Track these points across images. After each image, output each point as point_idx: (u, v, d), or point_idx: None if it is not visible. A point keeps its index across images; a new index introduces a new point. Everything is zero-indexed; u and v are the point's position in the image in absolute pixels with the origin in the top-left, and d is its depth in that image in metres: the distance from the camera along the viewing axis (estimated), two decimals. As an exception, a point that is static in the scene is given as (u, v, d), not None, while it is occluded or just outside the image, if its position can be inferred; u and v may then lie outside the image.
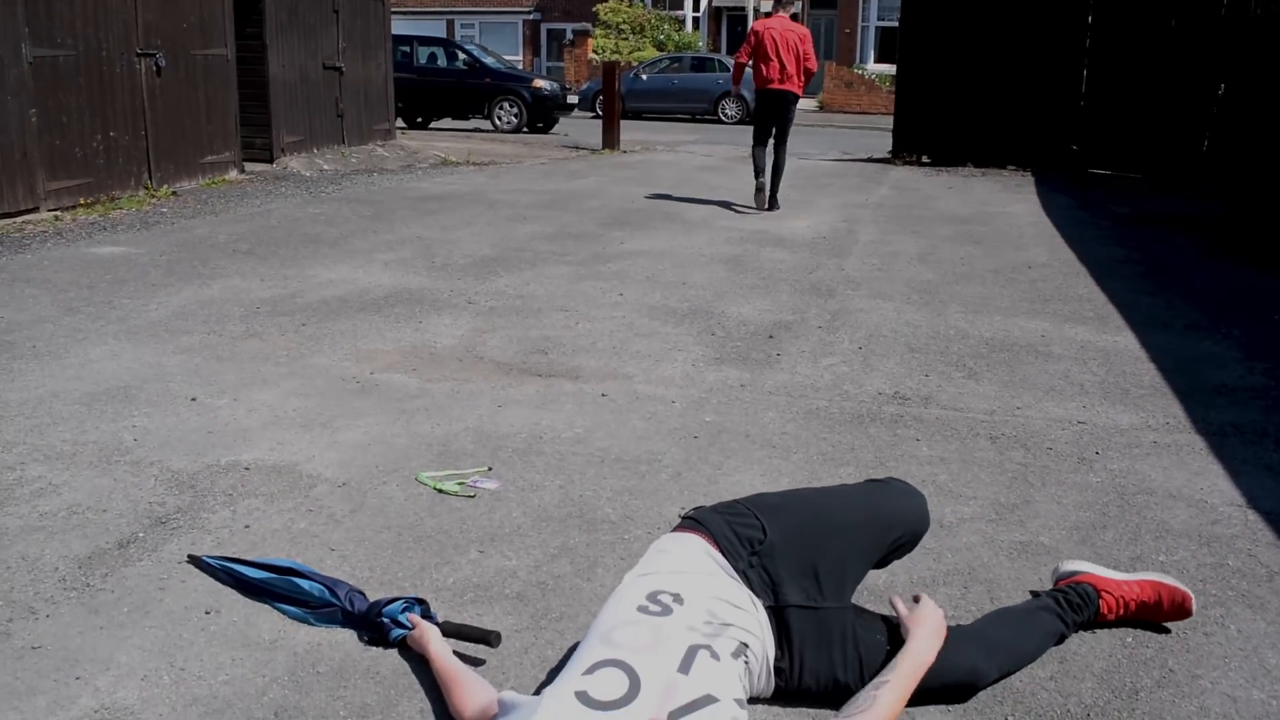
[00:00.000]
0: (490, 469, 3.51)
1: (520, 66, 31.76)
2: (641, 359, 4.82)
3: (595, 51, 31.33)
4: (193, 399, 4.15)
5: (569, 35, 35.48)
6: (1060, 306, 6.02)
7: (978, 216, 9.46)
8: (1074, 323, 5.65)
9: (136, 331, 5.08)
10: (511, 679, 2.33)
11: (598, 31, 32.03)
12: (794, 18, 9.75)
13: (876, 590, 2.73)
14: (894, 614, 2.26)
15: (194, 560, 2.83)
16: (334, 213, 8.91)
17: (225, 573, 2.75)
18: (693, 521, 2.28)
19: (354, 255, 7.06)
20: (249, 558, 2.79)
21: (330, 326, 5.24)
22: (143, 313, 5.43)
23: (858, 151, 15.75)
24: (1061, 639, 2.46)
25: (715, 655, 1.95)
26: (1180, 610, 2.55)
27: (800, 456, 3.69)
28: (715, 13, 35.18)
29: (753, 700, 2.15)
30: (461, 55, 20.56)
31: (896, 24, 14.68)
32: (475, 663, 2.37)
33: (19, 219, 7.96)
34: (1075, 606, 2.48)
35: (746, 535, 2.22)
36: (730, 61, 23.59)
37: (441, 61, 20.38)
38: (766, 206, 9.60)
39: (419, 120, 19.88)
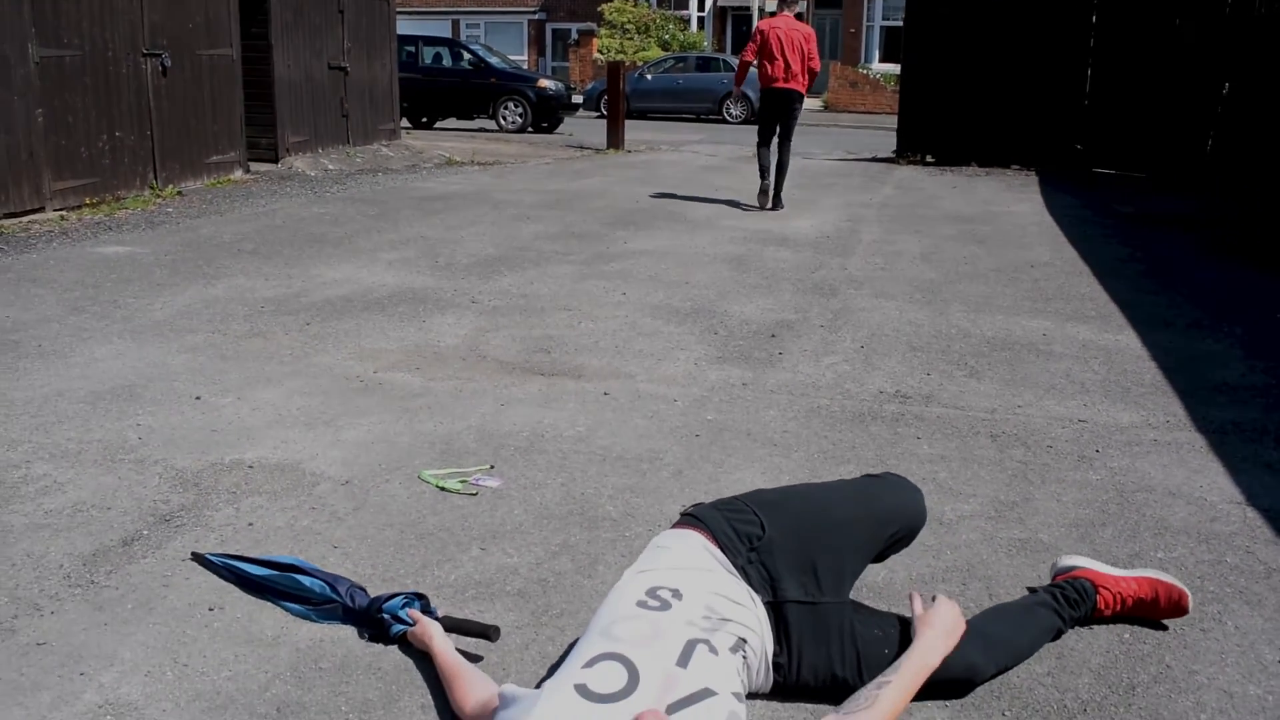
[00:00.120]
0: (492, 467, 3.53)
1: (525, 66, 31.79)
2: (644, 358, 4.84)
3: (600, 51, 31.33)
4: (197, 398, 4.17)
5: (574, 35, 35.51)
6: (1062, 305, 6.03)
7: (981, 216, 9.46)
8: (1076, 321, 5.66)
9: (141, 331, 5.11)
10: (512, 675, 2.35)
11: (603, 31, 32.03)
12: (799, 17, 9.78)
13: (876, 587, 2.74)
14: (910, 610, 2.27)
15: (197, 558, 2.85)
16: (338, 212, 8.94)
17: (227, 570, 2.77)
18: (691, 518, 2.30)
19: (358, 255, 7.09)
20: (251, 555, 2.81)
21: (334, 326, 5.27)
22: (147, 312, 5.46)
23: (862, 151, 15.75)
24: (1059, 635, 2.47)
25: (714, 650, 1.97)
26: (1177, 608, 2.56)
27: (801, 454, 3.71)
28: (720, 12, 35.19)
29: (751, 696, 2.17)
30: (466, 55, 20.58)
31: (901, 24, 14.67)
32: (477, 659, 2.39)
33: (25, 218, 8.00)
34: (1072, 602, 2.49)
35: (745, 531, 2.24)
36: (735, 61, 23.61)
37: (446, 61, 20.40)
38: (770, 206, 9.63)
39: (424, 120, 19.91)
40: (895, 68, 20.00)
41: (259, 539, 2.99)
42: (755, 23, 31.14)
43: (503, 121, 19.95)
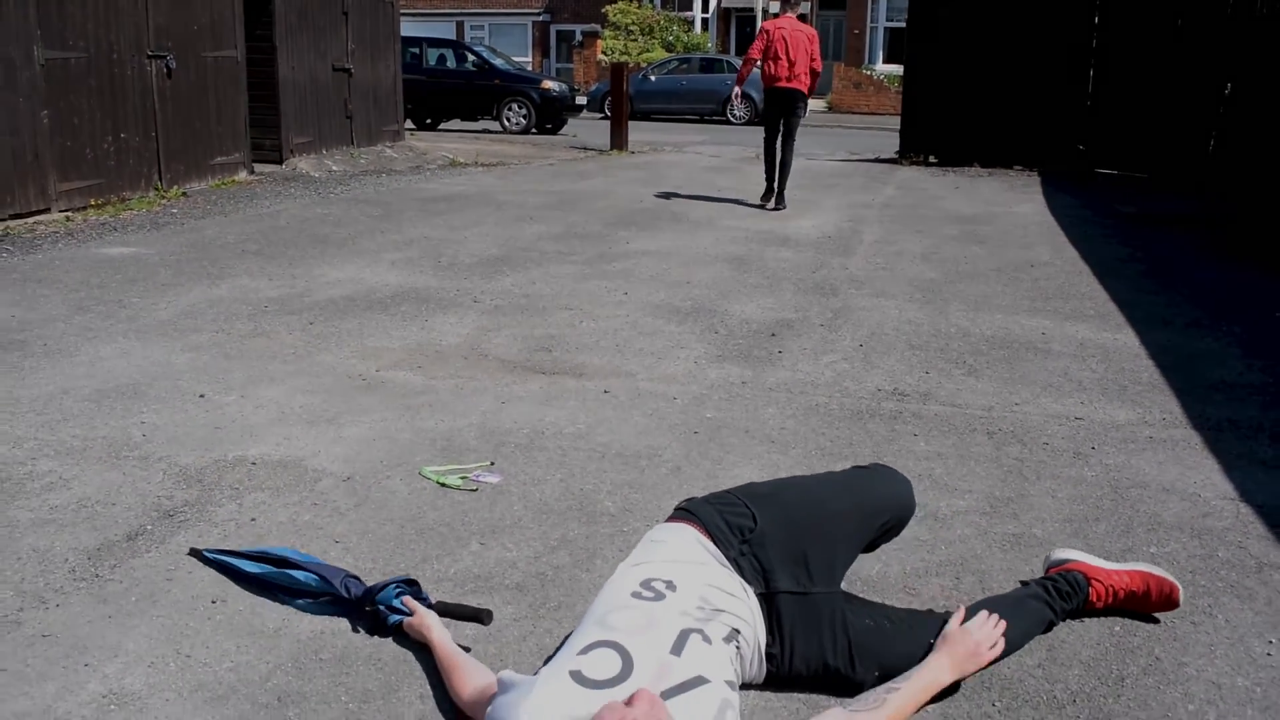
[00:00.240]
0: (493, 463, 3.56)
1: (529, 68, 31.86)
2: (644, 356, 4.87)
3: (604, 53, 31.38)
4: (201, 396, 4.21)
5: (578, 37, 35.57)
6: (1062, 305, 6.06)
7: (983, 216, 9.49)
8: (1075, 320, 5.69)
9: (146, 330, 5.15)
10: (510, 666, 2.38)
11: (607, 33, 32.08)
12: (801, 18, 9.84)
13: (870, 580, 2.77)
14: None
15: (195, 554, 2.89)
16: (342, 213, 8.98)
17: (223, 566, 2.80)
18: (685, 512, 2.34)
19: (361, 255, 7.13)
20: (244, 549, 2.85)
21: (337, 325, 5.31)
22: (152, 312, 5.50)
23: (865, 152, 15.78)
24: (1050, 627, 2.51)
25: (707, 639, 2.00)
26: (1168, 601, 2.59)
27: (799, 451, 3.74)
28: (724, 14, 35.22)
29: (744, 686, 2.20)
30: (470, 57, 20.64)
31: (905, 25, 14.69)
32: (467, 650, 2.42)
33: (30, 219, 8.04)
34: (1064, 594, 2.52)
35: (737, 524, 2.27)
36: (739, 63, 23.62)
37: (450, 63, 20.47)
38: (773, 205, 9.68)
39: (428, 121, 19.96)
40: (899, 69, 20.05)
41: (261, 534, 3.03)
42: (759, 24, 31.20)
43: (507, 123, 20.01)
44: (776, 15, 9.86)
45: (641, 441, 3.80)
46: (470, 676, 2.20)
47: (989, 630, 2.29)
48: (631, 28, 31.72)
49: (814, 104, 21.00)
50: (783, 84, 9.48)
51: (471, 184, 11.34)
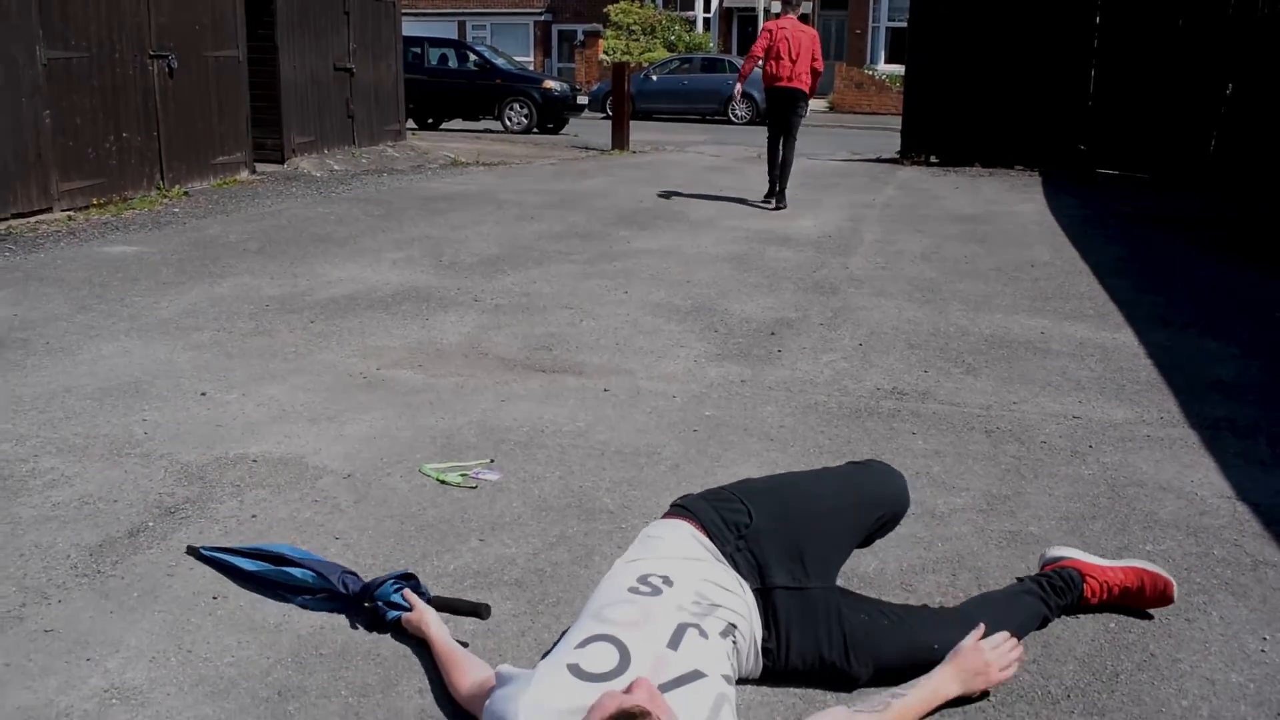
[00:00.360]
0: (492, 461, 3.58)
1: (531, 68, 31.87)
2: (644, 355, 4.89)
3: (606, 52, 31.39)
4: (202, 394, 4.23)
5: (580, 36, 35.59)
6: (1061, 304, 6.07)
7: (983, 216, 9.50)
8: (1074, 320, 5.70)
9: (148, 328, 5.17)
10: (509, 661, 2.38)
11: (608, 32, 32.10)
12: (803, 18, 9.90)
13: (867, 577, 2.79)
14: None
15: (193, 552, 2.90)
16: (344, 212, 9.00)
17: (220, 564, 2.81)
18: (681, 508, 2.36)
19: (363, 254, 7.15)
20: (241, 546, 2.86)
21: (338, 324, 5.32)
22: (154, 310, 5.52)
23: (866, 152, 15.79)
24: (1044, 622, 2.52)
25: (704, 634, 2.02)
26: (1163, 596, 2.60)
27: (797, 449, 3.76)
28: (726, 14, 35.24)
29: (741, 681, 2.22)
30: (472, 56, 20.65)
31: (906, 24, 14.71)
32: (464, 645, 2.44)
33: (33, 219, 8.06)
34: (1059, 590, 2.54)
35: (733, 520, 2.29)
36: (740, 62, 23.63)
37: (452, 63, 20.48)
38: (774, 205, 9.71)
39: (429, 121, 19.98)
40: (901, 69, 20.05)
41: (262, 530, 3.04)
42: (761, 23, 31.22)
43: (508, 122, 20.03)
44: (778, 16, 9.90)
45: (640, 439, 3.81)
46: (468, 671, 2.22)
47: (1003, 652, 2.27)
48: (633, 27, 31.73)
49: (816, 104, 21.02)
50: (784, 84, 9.55)
51: (473, 183, 11.36)
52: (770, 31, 9.61)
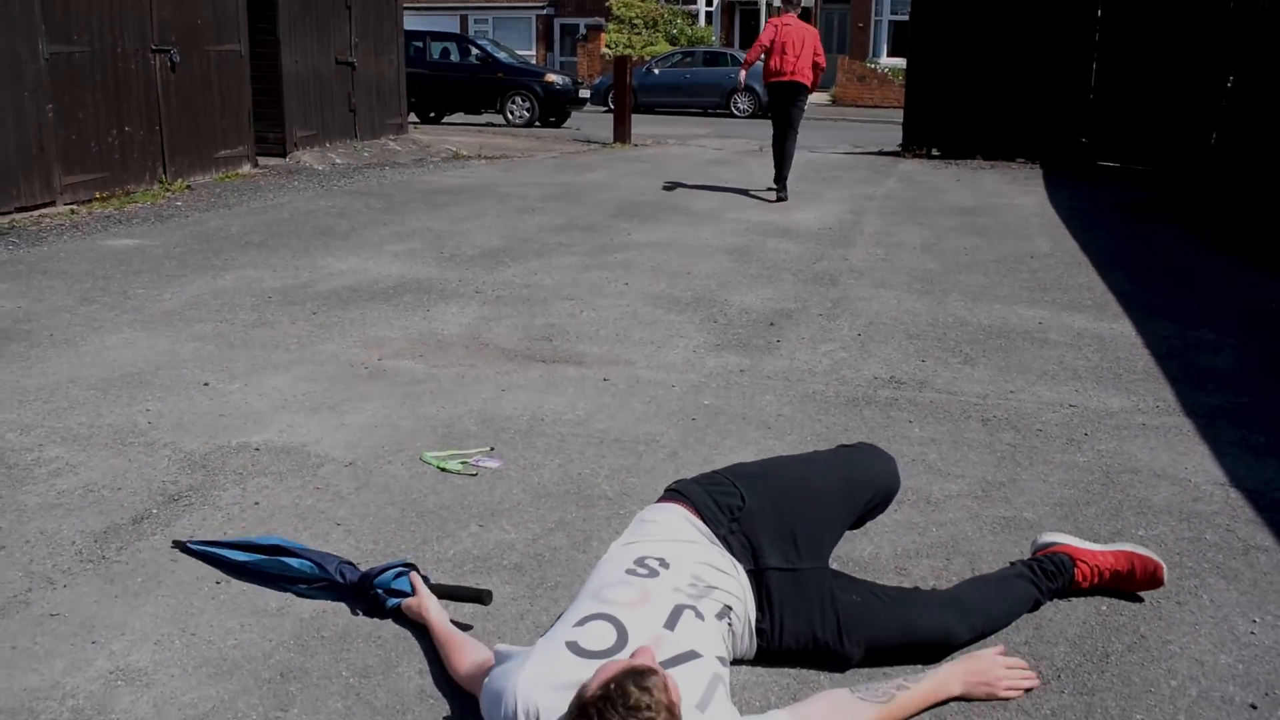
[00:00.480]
0: (492, 449, 3.62)
1: (533, 61, 31.83)
2: (644, 345, 4.92)
3: (608, 46, 31.36)
4: (205, 384, 4.27)
5: (582, 30, 35.59)
6: (1060, 295, 6.10)
7: (984, 208, 9.52)
8: (1072, 311, 5.73)
9: (151, 320, 5.20)
10: (508, 642, 2.43)
11: (611, 26, 32.06)
12: (804, 15, 9.97)
13: (862, 561, 2.82)
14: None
15: (179, 545, 2.89)
16: (345, 205, 9.03)
17: (209, 558, 2.81)
18: (675, 492, 2.39)
19: (364, 247, 7.18)
20: (231, 538, 2.88)
21: (340, 315, 5.36)
22: (157, 302, 5.55)
23: (868, 145, 15.80)
24: (1036, 605, 2.55)
25: (700, 615, 2.05)
26: (1153, 579, 2.63)
27: (794, 437, 3.79)
28: (728, 7, 35.21)
29: (736, 661, 2.25)
30: (474, 50, 20.67)
31: (908, 18, 14.71)
32: (467, 628, 2.48)
33: (36, 212, 8.11)
34: (1050, 574, 2.57)
35: (726, 503, 2.32)
36: (742, 56, 23.64)
37: (454, 56, 20.50)
38: (775, 197, 9.75)
39: (431, 115, 20.00)
40: (903, 62, 20.03)
41: (264, 518, 3.08)
42: (763, 17, 31.28)
43: (510, 116, 20.04)
44: (779, 11, 9.99)
45: (639, 428, 3.85)
46: (467, 652, 2.25)
47: (1016, 676, 2.28)
48: (635, 21, 31.69)
49: (818, 97, 21.03)
50: (785, 77, 9.63)
51: (474, 177, 11.38)
52: (775, 26, 9.72)
